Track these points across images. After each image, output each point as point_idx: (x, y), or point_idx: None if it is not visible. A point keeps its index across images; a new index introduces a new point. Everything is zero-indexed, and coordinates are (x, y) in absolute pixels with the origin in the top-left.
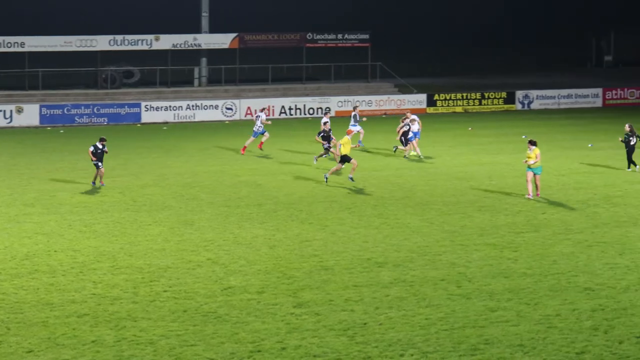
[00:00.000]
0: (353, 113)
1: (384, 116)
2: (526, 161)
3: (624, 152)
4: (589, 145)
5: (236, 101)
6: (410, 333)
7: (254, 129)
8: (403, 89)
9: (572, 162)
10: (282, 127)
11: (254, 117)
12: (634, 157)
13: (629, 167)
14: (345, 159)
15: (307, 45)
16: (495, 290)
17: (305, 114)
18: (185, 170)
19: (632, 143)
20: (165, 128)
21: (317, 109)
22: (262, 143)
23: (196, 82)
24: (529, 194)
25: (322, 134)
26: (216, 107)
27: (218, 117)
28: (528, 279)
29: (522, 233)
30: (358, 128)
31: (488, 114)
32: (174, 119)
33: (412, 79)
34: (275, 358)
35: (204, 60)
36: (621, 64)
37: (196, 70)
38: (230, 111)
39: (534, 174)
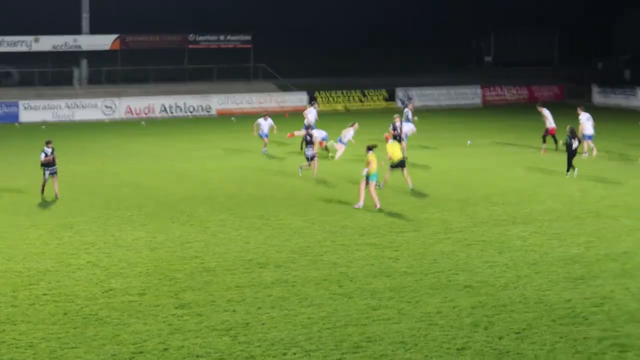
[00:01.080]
0: (405, 110)
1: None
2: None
3: (502, 150)
4: (468, 143)
5: (116, 100)
6: (292, 332)
7: (305, 123)
8: (285, 89)
9: (452, 160)
10: (161, 126)
11: (305, 112)
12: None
13: (567, 172)
14: (400, 164)
15: (189, 46)
16: (377, 289)
17: (186, 113)
18: (65, 171)
19: (574, 147)
20: (43, 127)
21: (198, 107)
22: (294, 134)
23: (77, 83)
24: (377, 205)
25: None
26: (95, 106)
27: (98, 116)
28: (409, 277)
29: (403, 232)
30: (411, 127)
31: (369, 112)
32: (53, 118)
33: (295, 80)
34: (158, 359)
35: (84, 62)
36: (501, 64)
37: (76, 71)
38: (109, 110)
39: (367, 182)
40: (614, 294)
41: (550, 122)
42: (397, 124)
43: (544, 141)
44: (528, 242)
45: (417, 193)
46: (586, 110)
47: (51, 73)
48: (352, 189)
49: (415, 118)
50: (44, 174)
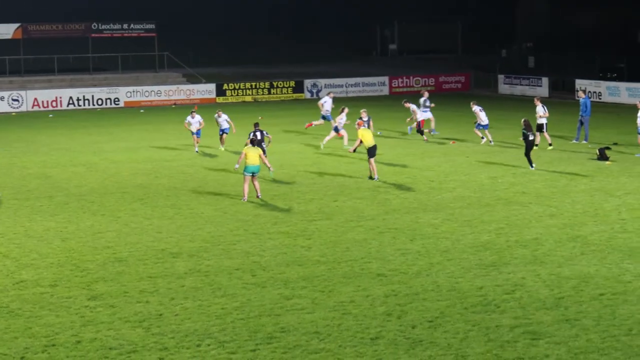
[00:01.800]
0: (422, 99)
1: (173, 106)
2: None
3: (414, 140)
4: (378, 134)
5: (22, 92)
6: (206, 323)
7: (322, 113)
8: (191, 79)
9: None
10: (68, 118)
11: (322, 103)
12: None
13: (532, 166)
14: (371, 152)
15: (93, 35)
16: (290, 278)
17: (94, 105)
18: None
19: (530, 139)
20: None
21: (106, 99)
22: (312, 124)
23: None
24: (244, 197)
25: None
26: (2, 98)
27: (4, 109)
28: (322, 266)
29: (315, 221)
30: (429, 115)
31: (277, 102)
32: None
33: (200, 69)
34: (71, 352)
35: None
36: (406, 52)
37: None
38: (16, 102)
39: (252, 175)
40: (525, 281)
41: (419, 115)
42: (365, 118)
43: (422, 133)
44: (439, 230)
45: (328, 182)
46: (478, 103)
47: None
48: (263, 178)
49: (432, 104)
50: None
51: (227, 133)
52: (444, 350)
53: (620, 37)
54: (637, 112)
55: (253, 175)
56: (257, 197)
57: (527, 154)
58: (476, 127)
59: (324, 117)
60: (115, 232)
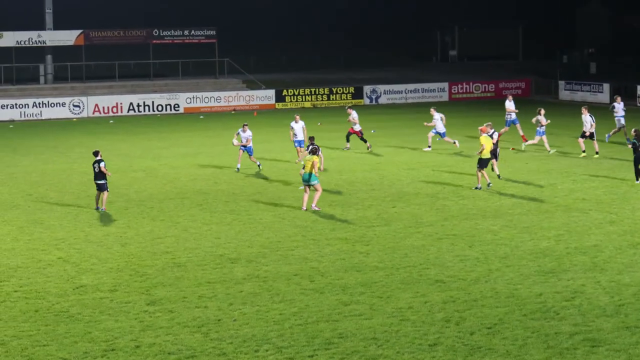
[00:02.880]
0: (614, 104)
1: (233, 112)
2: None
3: (469, 145)
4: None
5: (83, 98)
6: (264, 328)
7: (506, 118)
8: (251, 85)
9: (420, 155)
10: (129, 124)
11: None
12: None
13: (637, 179)
14: (482, 163)
15: (154, 41)
16: (348, 284)
17: (154, 111)
18: (34, 169)
19: None
20: (11, 126)
21: (166, 105)
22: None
23: (42, 79)
24: (303, 206)
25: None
26: (63, 104)
27: (65, 115)
28: (380, 272)
29: (373, 227)
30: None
31: (337, 108)
32: (21, 117)
33: (259, 75)
34: (130, 356)
35: (49, 58)
36: (466, 58)
37: (41, 67)
38: (77, 108)
39: (307, 184)
40: (584, 287)
41: (357, 125)
42: (490, 130)
43: (348, 140)
44: (498, 236)
45: (386, 187)
46: (438, 110)
47: (16, 69)
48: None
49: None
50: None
51: (302, 146)
52: (503, 357)
53: None
54: None
55: (308, 185)
56: (312, 207)
57: (636, 165)
58: (443, 136)
59: (511, 122)
60: (174, 238)
